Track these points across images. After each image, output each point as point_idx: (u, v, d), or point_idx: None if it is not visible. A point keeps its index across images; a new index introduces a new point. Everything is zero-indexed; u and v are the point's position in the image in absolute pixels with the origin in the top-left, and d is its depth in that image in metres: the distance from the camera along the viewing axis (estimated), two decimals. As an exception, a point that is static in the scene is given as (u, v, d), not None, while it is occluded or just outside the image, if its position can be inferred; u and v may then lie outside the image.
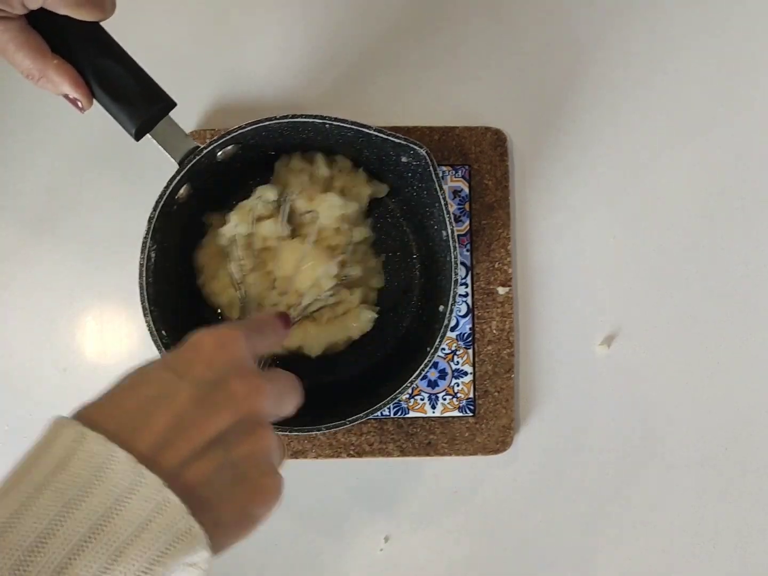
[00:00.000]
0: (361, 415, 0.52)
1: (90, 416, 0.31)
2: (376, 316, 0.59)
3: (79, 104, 0.47)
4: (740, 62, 0.62)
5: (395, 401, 0.52)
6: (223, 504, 0.32)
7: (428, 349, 0.52)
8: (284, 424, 0.52)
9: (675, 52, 0.62)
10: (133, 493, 0.29)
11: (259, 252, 0.57)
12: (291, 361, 0.58)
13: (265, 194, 0.56)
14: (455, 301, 0.52)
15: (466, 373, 0.61)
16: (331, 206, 0.56)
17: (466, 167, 0.61)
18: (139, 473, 0.29)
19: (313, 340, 0.58)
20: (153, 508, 0.29)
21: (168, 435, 0.31)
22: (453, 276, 0.51)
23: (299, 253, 0.55)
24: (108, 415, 0.31)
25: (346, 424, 0.52)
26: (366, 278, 0.60)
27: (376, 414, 0.60)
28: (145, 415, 0.31)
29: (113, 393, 0.33)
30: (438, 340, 0.51)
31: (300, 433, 0.52)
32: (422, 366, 0.51)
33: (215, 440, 0.32)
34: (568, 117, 0.62)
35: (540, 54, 0.62)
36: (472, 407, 0.60)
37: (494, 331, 0.61)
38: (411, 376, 0.52)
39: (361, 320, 0.58)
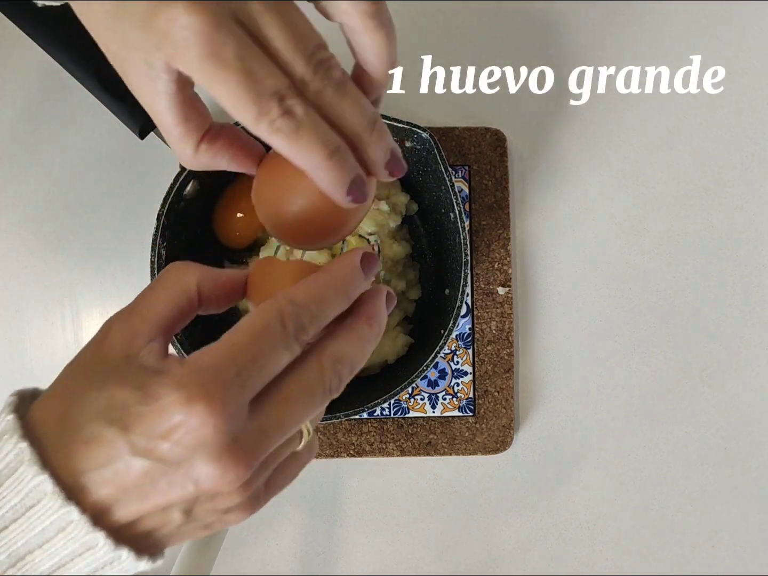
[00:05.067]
0: (379, 400, 0.52)
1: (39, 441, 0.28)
2: (412, 341, 0.58)
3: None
4: (740, 62, 0.63)
5: (394, 397, 0.53)
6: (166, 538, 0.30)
7: (442, 331, 0.53)
8: None
9: (675, 52, 0.63)
10: (62, 531, 0.28)
11: None
12: None
13: None
14: (466, 282, 0.52)
15: (466, 373, 0.61)
16: (381, 212, 0.57)
17: (466, 167, 0.61)
18: (83, 529, 0.28)
19: None
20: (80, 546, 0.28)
21: (110, 502, 0.28)
22: (463, 257, 0.52)
23: None
24: (57, 460, 0.28)
25: (365, 410, 0.52)
26: (405, 291, 0.60)
27: (376, 413, 0.60)
28: (88, 481, 0.28)
29: (64, 425, 0.29)
30: (451, 322, 0.52)
31: (319, 422, 0.52)
32: (437, 348, 0.52)
33: (166, 507, 0.29)
34: (568, 117, 0.62)
35: (539, 54, 0.62)
36: (472, 407, 0.60)
37: (494, 331, 0.61)
38: (427, 359, 0.52)
39: (396, 345, 0.58)
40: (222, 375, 0.27)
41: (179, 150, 0.32)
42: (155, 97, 0.30)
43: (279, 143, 0.30)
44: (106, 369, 0.29)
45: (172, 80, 0.30)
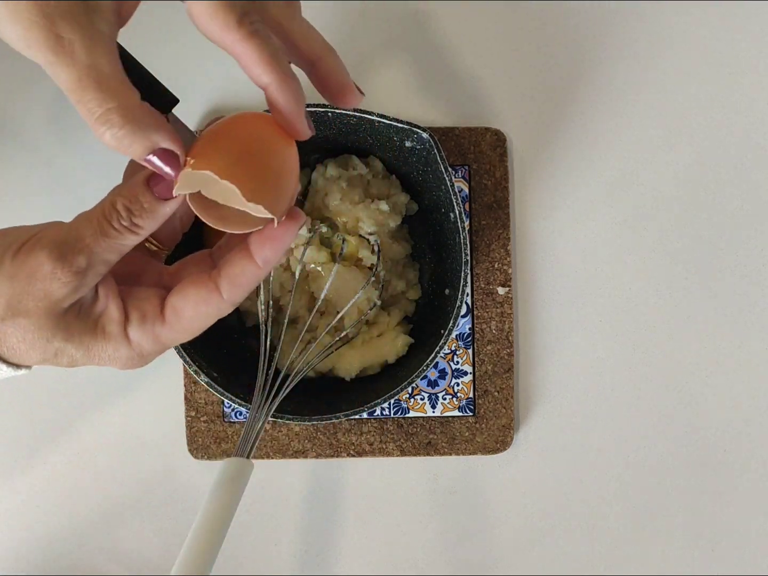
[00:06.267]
0: (379, 400, 0.52)
1: None
2: (411, 341, 0.59)
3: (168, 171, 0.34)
4: (740, 62, 0.63)
5: (394, 397, 0.53)
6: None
7: (442, 331, 0.53)
8: (302, 414, 0.52)
9: (675, 52, 0.63)
10: None
11: (302, 275, 0.57)
12: (323, 383, 0.59)
13: None
14: (466, 282, 0.52)
15: (465, 373, 0.61)
16: (381, 212, 0.57)
17: (466, 167, 0.61)
18: None
19: (348, 362, 0.58)
20: None
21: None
22: (463, 257, 0.52)
23: (340, 276, 0.56)
24: None
25: (365, 410, 0.52)
26: (405, 291, 0.60)
27: (376, 413, 0.60)
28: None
29: None
30: (451, 322, 0.52)
31: (319, 422, 0.52)
32: (437, 348, 0.52)
33: None
34: (568, 117, 0.62)
35: (539, 54, 0.62)
36: (472, 407, 0.61)
37: (494, 331, 0.61)
38: (427, 359, 0.52)
39: (396, 345, 0.58)
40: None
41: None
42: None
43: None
44: (57, 322, 0.34)
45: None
